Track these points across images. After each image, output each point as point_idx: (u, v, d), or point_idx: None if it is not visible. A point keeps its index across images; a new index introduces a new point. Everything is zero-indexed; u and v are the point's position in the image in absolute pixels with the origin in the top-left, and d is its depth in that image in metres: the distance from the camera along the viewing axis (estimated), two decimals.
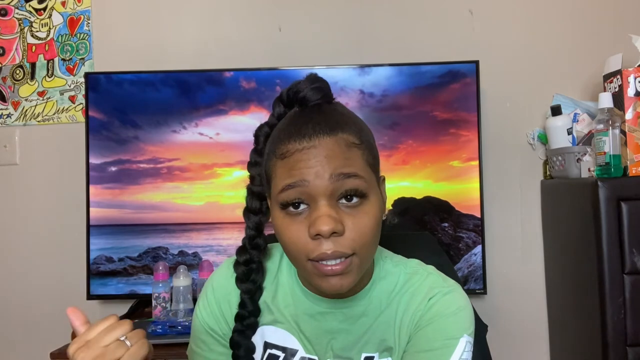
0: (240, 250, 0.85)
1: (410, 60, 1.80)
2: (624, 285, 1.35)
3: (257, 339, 0.86)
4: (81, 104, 2.00)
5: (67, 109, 2.02)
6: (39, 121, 2.04)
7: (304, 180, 0.72)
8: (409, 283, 0.84)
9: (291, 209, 0.73)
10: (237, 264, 0.85)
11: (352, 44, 1.94)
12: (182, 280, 1.67)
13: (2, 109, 2.05)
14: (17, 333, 2.02)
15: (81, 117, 1.99)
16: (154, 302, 1.69)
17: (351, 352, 0.84)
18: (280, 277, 0.87)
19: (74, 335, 1.68)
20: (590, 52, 1.87)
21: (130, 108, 1.83)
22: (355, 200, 0.73)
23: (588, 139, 1.67)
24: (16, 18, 2.05)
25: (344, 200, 0.73)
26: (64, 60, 2.03)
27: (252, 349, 0.85)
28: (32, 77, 2.04)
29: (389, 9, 1.94)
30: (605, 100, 1.46)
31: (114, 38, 2.01)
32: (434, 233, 1.76)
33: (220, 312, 0.87)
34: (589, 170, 1.60)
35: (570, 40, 1.90)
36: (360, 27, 1.95)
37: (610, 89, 1.53)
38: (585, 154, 1.62)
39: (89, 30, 2.02)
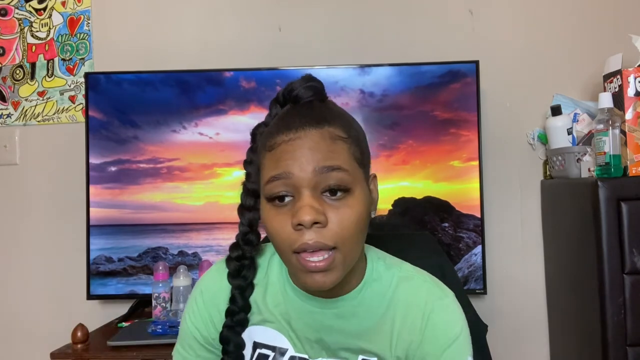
0: (233, 246, 0.86)
1: (411, 60, 1.80)
2: (624, 285, 1.35)
3: (246, 339, 0.86)
4: (81, 104, 2.00)
5: (67, 109, 2.02)
6: (39, 121, 2.04)
7: (288, 172, 0.73)
8: (403, 290, 0.83)
9: (277, 201, 0.74)
10: (229, 260, 0.86)
11: (352, 44, 1.94)
12: (182, 280, 1.67)
13: (2, 109, 2.05)
14: (17, 333, 2.02)
15: (81, 117, 1.99)
16: (154, 302, 1.69)
17: (343, 353, 0.83)
18: (270, 275, 0.87)
19: (74, 335, 1.67)
20: (590, 52, 1.87)
21: (130, 108, 1.83)
22: (339, 194, 0.73)
23: (588, 139, 1.67)
24: (16, 18, 2.05)
25: (328, 194, 0.73)
26: (64, 60, 2.03)
27: (242, 344, 0.86)
28: (32, 77, 2.04)
29: (389, 8, 1.94)
30: (605, 100, 1.46)
31: (114, 38, 2.01)
32: (434, 233, 1.76)
33: (209, 317, 0.87)
34: (589, 170, 1.60)
35: (570, 40, 1.90)
36: (360, 27, 1.95)
37: (610, 89, 1.53)
38: (585, 154, 1.62)
39: (89, 30, 2.02)
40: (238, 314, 0.84)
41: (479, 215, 1.77)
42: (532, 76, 1.91)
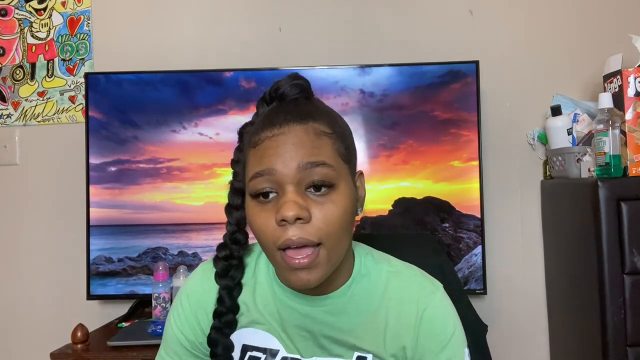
0: (221, 246, 0.85)
1: (411, 60, 1.80)
2: (624, 285, 1.35)
3: (235, 342, 0.85)
4: (81, 104, 2.00)
5: (67, 109, 2.02)
6: (39, 121, 2.04)
7: (271, 168, 0.72)
8: (394, 285, 0.83)
9: (261, 198, 0.74)
10: (217, 260, 0.85)
11: (352, 44, 1.94)
12: (182, 280, 1.67)
13: (2, 109, 2.05)
14: (17, 333, 2.02)
15: (81, 117, 1.99)
16: (154, 302, 1.69)
17: (337, 350, 0.83)
18: (258, 275, 0.86)
19: (74, 335, 1.67)
20: (590, 52, 1.87)
21: (130, 108, 1.83)
22: (323, 189, 0.73)
23: (588, 139, 1.67)
24: (16, 18, 2.05)
25: (312, 189, 0.73)
26: (64, 60, 2.03)
27: (231, 347, 0.84)
28: (32, 77, 2.04)
29: (389, 9, 1.94)
30: (605, 100, 1.46)
31: (114, 38, 2.01)
32: (435, 233, 1.76)
33: (196, 320, 0.86)
34: (589, 170, 1.60)
35: (570, 40, 1.90)
36: (360, 27, 1.95)
37: (610, 89, 1.53)
38: (585, 154, 1.62)
39: (89, 31, 2.02)
40: (226, 315, 0.83)
41: (479, 216, 1.77)
42: (532, 76, 1.91)
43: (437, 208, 1.78)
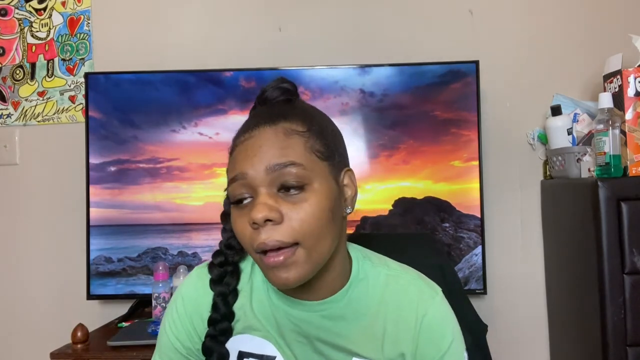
0: (216, 253, 0.85)
1: (411, 60, 1.80)
2: (624, 285, 1.35)
3: (231, 349, 0.83)
4: (81, 104, 2.00)
5: (67, 109, 2.02)
6: (39, 121, 2.04)
7: (243, 172, 0.72)
8: (392, 290, 0.82)
9: (239, 203, 0.74)
10: (211, 266, 0.84)
11: (352, 44, 1.94)
12: (182, 280, 1.67)
13: (2, 109, 2.05)
14: (17, 333, 2.02)
15: (81, 117, 1.99)
16: (154, 302, 1.69)
17: (335, 355, 0.82)
18: (254, 280, 0.85)
19: (74, 335, 1.67)
20: (590, 52, 1.87)
21: (130, 108, 1.83)
22: (294, 190, 0.72)
23: (588, 139, 1.67)
24: (16, 18, 2.05)
25: (284, 190, 0.72)
26: (64, 60, 2.03)
27: (226, 355, 0.83)
28: (32, 77, 2.04)
29: (389, 9, 1.94)
30: (605, 100, 1.46)
31: (114, 38, 2.01)
32: (435, 233, 1.76)
33: (191, 326, 0.84)
34: (589, 170, 1.60)
35: (570, 40, 1.90)
36: (360, 27, 1.95)
37: (610, 89, 1.52)
38: (585, 154, 1.62)
39: (89, 30, 2.02)
40: (221, 323, 0.82)
41: (479, 215, 1.77)
42: (532, 76, 1.91)
43: (437, 208, 1.78)
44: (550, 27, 1.91)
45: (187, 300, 0.85)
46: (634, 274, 1.35)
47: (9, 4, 2.05)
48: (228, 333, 0.83)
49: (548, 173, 1.85)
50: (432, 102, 1.78)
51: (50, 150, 2.02)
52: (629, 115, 1.45)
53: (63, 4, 2.03)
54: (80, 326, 1.56)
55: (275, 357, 0.83)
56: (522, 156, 1.91)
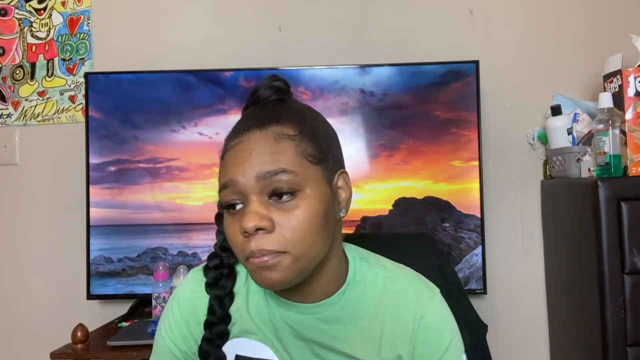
0: (211, 255, 0.85)
1: (411, 60, 1.80)
2: (624, 285, 1.35)
3: (228, 353, 0.83)
4: (81, 104, 2.00)
5: (67, 109, 2.02)
6: (39, 121, 2.04)
7: (234, 180, 0.71)
8: (390, 291, 0.81)
9: (230, 209, 0.73)
10: (207, 269, 0.84)
11: (352, 44, 1.94)
12: (182, 280, 1.67)
13: (2, 109, 2.05)
14: (17, 333, 2.02)
15: (81, 117, 1.99)
16: (154, 302, 1.69)
17: (331, 358, 0.81)
18: (250, 283, 0.84)
19: (74, 335, 1.67)
20: (590, 52, 1.87)
21: (130, 108, 1.83)
22: (285, 197, 0.71)
23: (588, 139, 1.67)
24: (16, 18, 2.05)
25: (275, 197, 0.71)
26: (64, 60, 2.03)
27: (222, 358, 0.82)
28: (32, 77, 2.04)
29: (389, 9, 1.94)
30: (605, 100, 1.46)
31: (114, 38, 2.01)
32: (435, 233, 1.76)
33: (187, 330, 0.84)
34: (589, 170, 1.60)
35: (570, 40, 1.90)
36: (360, 27, 1.95)
37: (610, 89, 1.52)
38: (585, 154, 1.62)
39: (89, 30, 2.02)
40: (217, 326, 0.81)
41: (479, 215, 1.77)
42: (532, 76, 1.91)
43: (437, 208, 1.77)
44: (550, 27, 1.91)
45: (183, 304, 0.84)
46: (634, 274, 1.35)
47: (9, 4, 2.05)
48: (225, 336, 0.82)
49: (548, 173, 1.85)
50: (432, 102, 1.78)
51: (50, 150, 2.02)
52: (629, 115, 1.45)
53: (63, 4, 2.03)
54: (80, 326, 1.56)
55: None
56: (522, 156, 1.91)
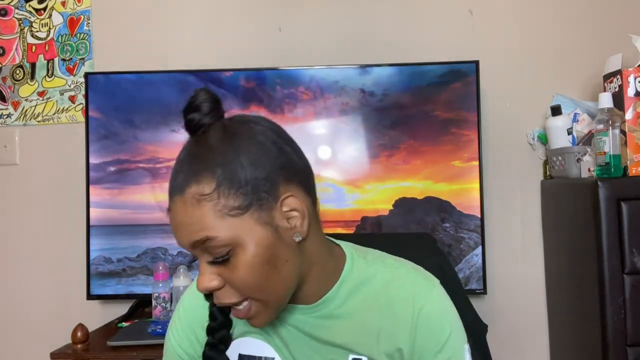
0: None
1: (411, 60, 1.80)
2: (624, 285, 1.35)
3: (231, 352, 0.84)
4: (81, 104, 2.00)
5: (67, 109, 2.02)
6: (39, 121, 2.04)
7: (178, 242, 0.73)
8: (388, 285, 0.81)
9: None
10: None
11: (352, 44, 1.94)
12: (182, 280, 1.67)
13: (2, 109, 2.05)
14: (17, 333, 2.02)
15: (81, 117, 1.99)
16: (154, 302, 1.69)
17: (331, 354, 0.82)
18: None
19: (74, 335, 1.66)
20: (590, 52, 1.87)
21: (130, 108, 1.83)
22: (219, 259, 0.70)
23: (588, 139, 1.67)
24: (16, 18, 2.05)
25: (214, 258, 0.71)
26: (64, 60, 2.03)
27: None
28: (32, 77, 2.04)
29: (389, 8, 1.94)
30: (605, 100, 1.46)
31: (114, 38, 2.01)
32: (435, 233, 1.75)
33: (193, 334, 0.86)
34: (589, 170, 1.60)
35: (570, 40, 1.90)
36: (360, 27, 1.95)
37: (610, 89, 1.52)
38: (585, 154, 1.62)
39: (89, 30, 2.02)
40: (219, 332, 0.82)
41: (479, 216, 1.77)
42: (532, 76, 1.91)
43: (437, 208, 1.78)
44: (550, 27, 1.91)
45: (188, 310, 0.87)
46: (634, 274, 1.35)
47: (9, 4, 2.05)
48: (227, 341, 0.83)
49: (548, 173, 1.85)
50: (433, 102, 1.78)
51: (50, 150, 2.02)
52: (629, 115, 1.45)
53: (63, 4, 2.03)
54: (80, 326, 1.56)
55: (273, 359, 0.83)
56: (522, 156, 1.91)
